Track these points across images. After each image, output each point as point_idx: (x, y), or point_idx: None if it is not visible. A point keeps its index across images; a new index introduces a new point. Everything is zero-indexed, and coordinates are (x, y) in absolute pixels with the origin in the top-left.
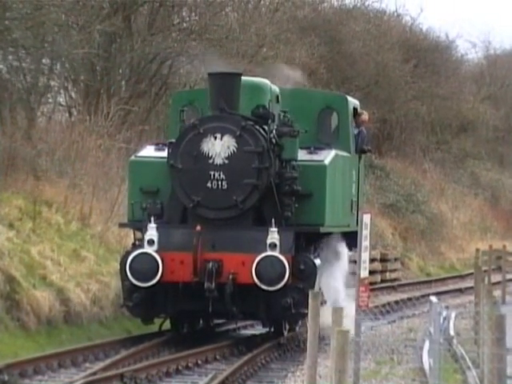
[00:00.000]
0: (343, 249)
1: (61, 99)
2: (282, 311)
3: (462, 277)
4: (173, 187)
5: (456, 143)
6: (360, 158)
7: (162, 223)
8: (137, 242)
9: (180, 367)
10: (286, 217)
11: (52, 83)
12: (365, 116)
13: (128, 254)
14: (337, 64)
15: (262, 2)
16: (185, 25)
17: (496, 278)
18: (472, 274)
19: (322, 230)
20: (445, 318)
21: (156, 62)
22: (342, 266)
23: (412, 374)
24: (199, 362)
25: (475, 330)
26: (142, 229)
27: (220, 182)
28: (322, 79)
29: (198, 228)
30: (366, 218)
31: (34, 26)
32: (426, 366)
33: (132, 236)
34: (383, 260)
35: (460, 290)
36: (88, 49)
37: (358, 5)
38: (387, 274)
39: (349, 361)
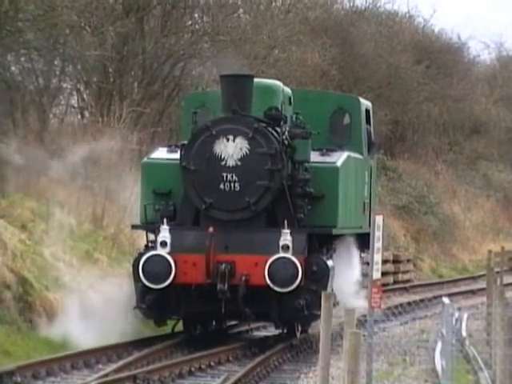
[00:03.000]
0: (354, 250)
1: (73, 101)
2: (294, 313)
3: (474, 278)
4: (185, 189)
5: (468, 145)
6: (370, 150)
7: (174, 225)
8: (149, 244)
9: (193, 369)
10: (299, 218)
11: (64, 85)
12: None
13: (141, 255)
14: (349, 65)
15: (273, 4)
16: (197, 27)
17: (508, 279)
18: (484, 275)
19: (335, 231)
20: (457, 320)
21: (168, 64)
22: (353, 267)
23: (424, 374)
24: (212, 363)
25: (487, 331)
26: (155, 230)
27: (233, 184)
28: (333, 81)
29: (211, 230)
30: (379, 220)
31: (46, 28)
32: (439, 367)
33: (145, 238)
34: (395, 261)
35: (472, 292)
36: (100, 51)
37: (370, 6)
38: (399, 275)
39: (361, 362)
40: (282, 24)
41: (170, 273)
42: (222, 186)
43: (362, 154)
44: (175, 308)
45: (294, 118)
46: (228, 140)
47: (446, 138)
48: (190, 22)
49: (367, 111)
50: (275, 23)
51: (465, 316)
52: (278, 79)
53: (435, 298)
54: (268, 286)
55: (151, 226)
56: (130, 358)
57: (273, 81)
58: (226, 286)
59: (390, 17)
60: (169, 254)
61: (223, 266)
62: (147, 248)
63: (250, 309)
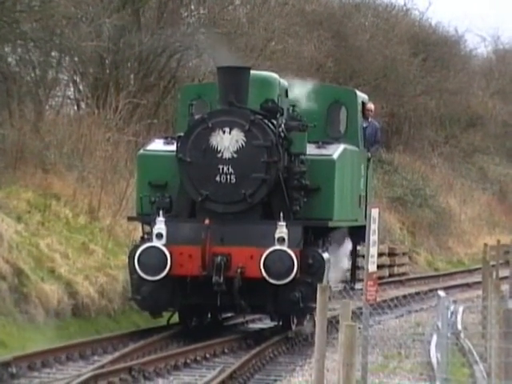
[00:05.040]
0: (349, 243)
1: (69, 92)
2: (290, 305)
3: (469, 271)
4: (181, 181)
5: (464, 138)
6: (368, 150)
7: (170, 217)
8: (145, 236)
9: (188, 361)
10: (295, 211)
11: (61, 76)
12: (370, 105)
13: (136, 247)
14: (344, 58)
15: None
16: (193, 19)
17: (504, 272)
18: (480, 268)
19: (331, 224)
20: (452, 313)
21: (165, 56)
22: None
23: (420, 368)
24: (207, 355)
25: (483, 325)
26: (151, 222)
27: (229, 176)
28: (329, 72)
29: (207, 222)
30: (375, 213)
31: (43, 19)
32: (434, 360)
33: (140, 229)
34: (391, 254)
35: (468, 285)
36: (97, 42)
37: None
38: (395, 268)
39: (357, 355)
40: (278, 16)
41: (166, 265)
42: (218, 179)
43: (358, 146)
44: (171, 300)
45: (290, 111)
46: (224, 132)
47: (442, 131)
48: (186, 14)
49: (363, 104)
50: (272, 15)
51: (460, 309)
52: (275, 72)
53: (431, 291)
54: (263, 278)
55: (147, 218)
56: (126, 350)
57: (269, 73)
58: (222, 278)
59: (387, 9)
60: (164, 245)
61: (219, 258)
62: (143, 240)
63: (245, 301)
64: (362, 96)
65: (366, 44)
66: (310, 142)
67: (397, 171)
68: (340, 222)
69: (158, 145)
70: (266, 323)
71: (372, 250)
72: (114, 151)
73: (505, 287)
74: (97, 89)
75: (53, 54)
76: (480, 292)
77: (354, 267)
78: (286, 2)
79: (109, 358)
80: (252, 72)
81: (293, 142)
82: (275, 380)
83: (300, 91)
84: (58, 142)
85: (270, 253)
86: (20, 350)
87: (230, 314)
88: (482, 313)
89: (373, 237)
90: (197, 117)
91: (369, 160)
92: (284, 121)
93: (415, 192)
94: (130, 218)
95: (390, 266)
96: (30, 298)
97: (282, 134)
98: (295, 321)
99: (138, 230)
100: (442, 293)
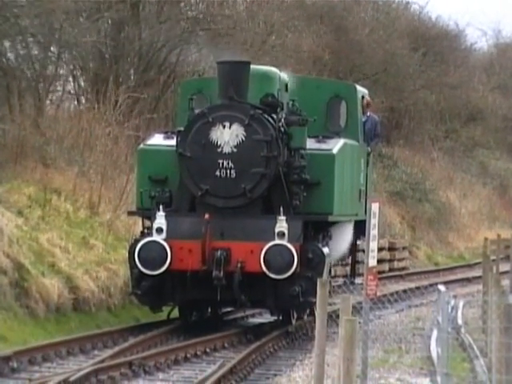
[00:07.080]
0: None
1: (69, 87)
2: (290, 300)
3: (470, 266)
4: (181, 176)
5: (465, 132)
6: (368, 145)
7: (170, 211)
8: (145, 230)
9: (188, 355)
10: (295, 205)
11: (60, 71)
12: (367, 98)
13: (136, 242)
14: (344, 52)
15: None
16: (194, 13)
17: (504, 267)
18: (480, 263)
19: (331, 218)
20: (453, 307)
21: (164, 51)
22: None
23: (420, 362)
24: (207, 350)
25: (483, 319)
26: (151, 217)
27: (228, 171)
28: (327, 65)
29: (207, 216)
30: (375, 207)
31: (43, 14)
32: (434, 355)
33: (140, 224)
34: (391, 249)
35: (468, 279)
36: (96, 37)
37: None
38: (395, 262)
39: (357, 349)
40: (278, 9)
41: (166, 259)
42: (218, 173)
43: (358, 141)
44: (171, 294)
45: (290, 105)
46: (224, 127)
47: (442, 125)
48: (185, 9)
49: (363, 98)
50: (271, 9)
51: (461, 304)
52: (274, 66)
53: (431, 285)
54: (263, 272)
55: (147, 213)
56: (126, 344)
57: (269, 67)
58: (222, 272)
59: (387, 3)
60: (164, 240)
61: (219, 252)
62: (143, 234)
63: (245, 296)
64: (361, 90)
65: (365, 38)
66: (309, 137)
67: (397, 165)
68: (340, 217)
69: (158, 139)
70: (266, 318)
71: (372, 244)
72: (114, 146)
73: (505, 282)
74: (96, 83)
75: (52, 48)
76: (480, 287)
77: (354, 262)
78: None
79: (109, 352)
80: (252, 66)
81: (293, 137)
82: (275, 375)
83: (300, 85)
84: (58, 137)
85: (270, 247)
86: (20, 345)
87: (229, 309)
88: (483, 307)
89: (373, 231)
90: (197, 111)
91: (369, 154)
92: (284, 115)
93: (415, 186)
94: (130, 213)
95: (390, 260)
96: (31, 292)
97: (282, 129)
98: (295, 315)
99: (138, 224)
100: (442, 287)
